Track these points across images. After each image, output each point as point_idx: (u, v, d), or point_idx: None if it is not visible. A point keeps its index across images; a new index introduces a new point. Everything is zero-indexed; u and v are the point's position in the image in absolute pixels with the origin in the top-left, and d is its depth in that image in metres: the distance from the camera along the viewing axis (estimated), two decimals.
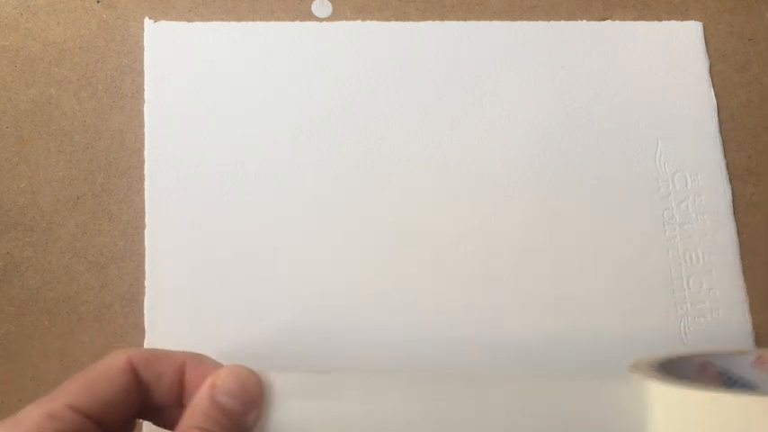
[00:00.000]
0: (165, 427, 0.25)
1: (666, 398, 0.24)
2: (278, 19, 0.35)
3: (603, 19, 0.37)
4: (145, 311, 0.31)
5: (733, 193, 0.35)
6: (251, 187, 0.33)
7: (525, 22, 0.37)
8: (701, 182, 0.35)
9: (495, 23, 0.36)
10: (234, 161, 0.33)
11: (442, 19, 0.36)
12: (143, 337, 0.31)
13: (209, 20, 0.35)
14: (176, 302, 0.31)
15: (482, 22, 0.36)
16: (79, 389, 0.23)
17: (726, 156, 0.36)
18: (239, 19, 0.35)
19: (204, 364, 0.25)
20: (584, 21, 0.37)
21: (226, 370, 0.24)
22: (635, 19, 0.37)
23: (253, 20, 0.35)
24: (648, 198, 0.35)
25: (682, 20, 0.38)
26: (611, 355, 0.32)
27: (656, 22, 0.37)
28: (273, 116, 0.34)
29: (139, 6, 0.35)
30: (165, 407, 0.25)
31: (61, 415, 0.22)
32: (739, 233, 0.35)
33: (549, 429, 0.25)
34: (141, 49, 0.34)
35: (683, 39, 0.37)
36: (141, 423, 0.29)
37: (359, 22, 0.36)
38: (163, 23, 0.35)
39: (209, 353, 0.31)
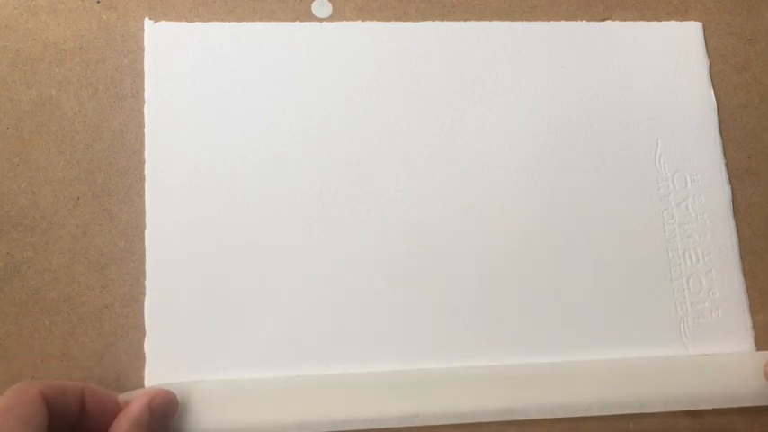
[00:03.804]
0: None
1: None
2: (278, 19, 0.35)
3: (603, 19, 0.37)
4: (145, 311, 0.31)
5: (733, 193, 0.35)
6: (251, 187, 0.33)
7: (525, 22, 0.37)
8: (700, 182, 0.35)
9: (495, 23, 0.36)
10: (234, 161, 0.33)
11: (442, 19, 0.36)
12: (143, 336, 0.31)
13: (209, 20, 0.35)
14: (176, 303, 0.31)
15: (482, 22, 0.36)
16: (14, 418, 0.24)
17: (725, 156, 0.36)
18: (239, 19, 0.35)
19: (98, 391, 0.28)
20: (584, 21, 0.37)
21: (160, 393, 0.28)
22: (635, 19, 0.37)
23: (253, 20, 0.35)
24: (648, 198, 0.35)
25: (682, 20, 0.38)
26: (611, 356, 0.32)
27: (656, 22, 0.37)
28: (273, 116, 0.34)
29: (139, 6, 0.35)
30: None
31: None
32: (739, 233, 0.35)
33: None
34: (141, 49, 0.34)
35: (683, 39, 0.37)
36: None
37: (359, 22, 0.36)
38: (163, 24, 0.35)
39: (209, 351, 0.31)
